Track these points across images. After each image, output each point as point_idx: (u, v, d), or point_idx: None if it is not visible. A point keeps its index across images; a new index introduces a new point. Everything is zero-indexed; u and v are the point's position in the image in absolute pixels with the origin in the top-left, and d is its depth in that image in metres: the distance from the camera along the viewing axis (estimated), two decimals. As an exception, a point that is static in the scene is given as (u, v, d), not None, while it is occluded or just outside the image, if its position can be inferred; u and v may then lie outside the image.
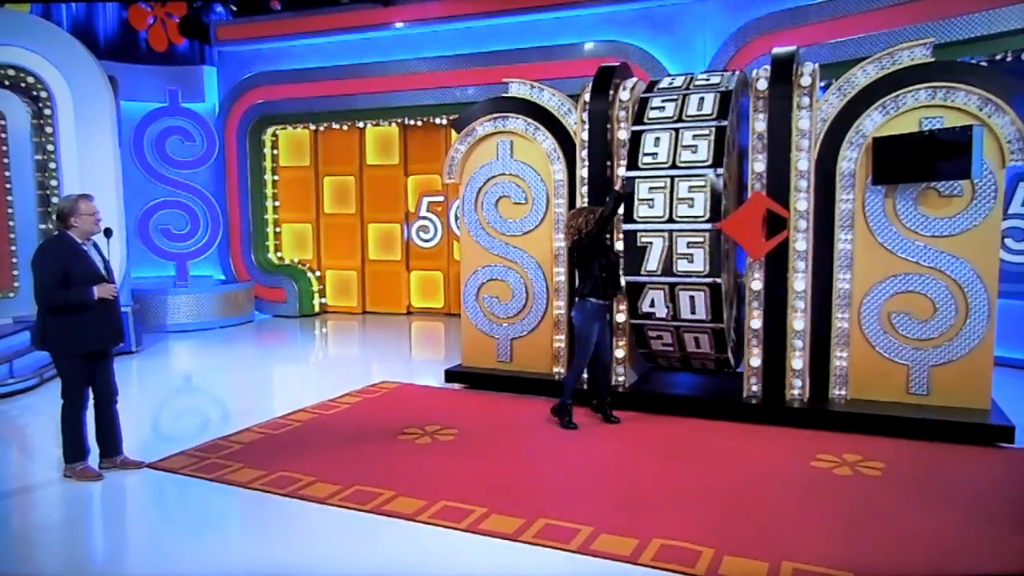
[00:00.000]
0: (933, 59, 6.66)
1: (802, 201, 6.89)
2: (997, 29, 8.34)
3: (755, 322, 7.13)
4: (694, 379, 8.06)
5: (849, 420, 6.74)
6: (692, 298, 7.10)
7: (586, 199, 7.70)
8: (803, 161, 6.87)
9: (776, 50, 7.12)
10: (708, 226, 6.98)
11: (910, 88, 6.61)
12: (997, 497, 5.31)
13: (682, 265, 7.08)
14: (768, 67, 7.02)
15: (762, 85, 6.96)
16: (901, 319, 6.81)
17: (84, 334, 5.63)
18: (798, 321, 6.99)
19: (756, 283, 7.08)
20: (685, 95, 7.38)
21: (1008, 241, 8.94)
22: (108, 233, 5.81)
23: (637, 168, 7.27)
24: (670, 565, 4.32)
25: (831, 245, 6.93)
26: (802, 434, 6.69)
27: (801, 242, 6.93)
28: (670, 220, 7.12)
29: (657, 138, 7.27)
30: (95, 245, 5.80)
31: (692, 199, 7.05)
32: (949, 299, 6.63)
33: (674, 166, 7.14)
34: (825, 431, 6.71)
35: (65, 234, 5.63)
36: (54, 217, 5.64)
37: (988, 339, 6.59)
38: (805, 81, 6.85)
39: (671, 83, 7.67)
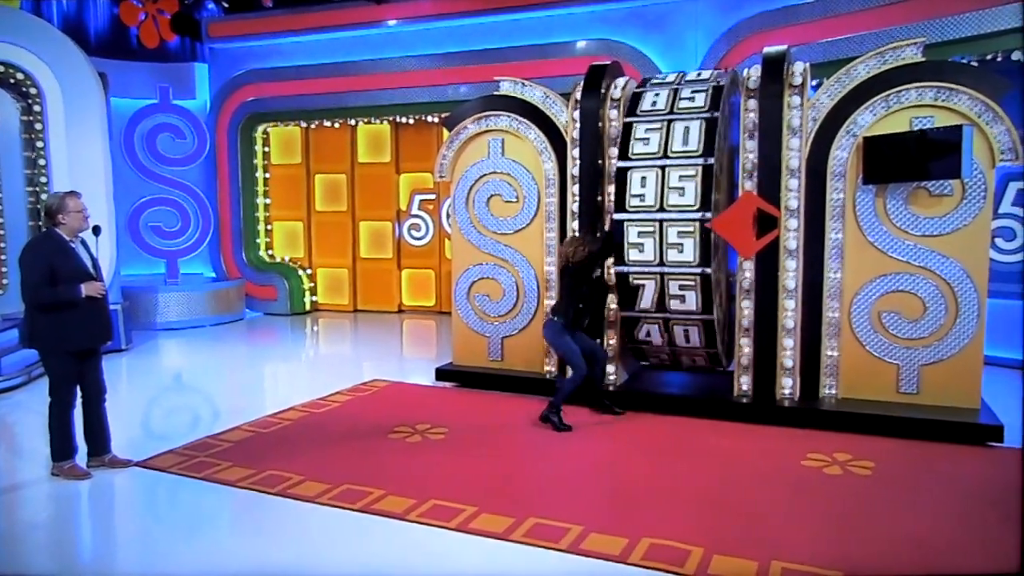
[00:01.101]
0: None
1: (793, 199, 6.89)
2: (987, 29, 8.36)
3: (745, 321, 7.13)
4: (685, 378, 8.06)
5: (839, 419, 6.75)
6: (687, 331, 7.30)
7: (577, 198, 7.69)
8: (794, 159, 6.87)
9: (767, 49, 7.13)
10: (699, 271, 7.06)
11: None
12: (986, 496, 5.31)
13: (675, 304, 7.23)
14: (759, 66, 7.02)
15: (753, 84, 6.96)
16: (891, 318, 6.82)
17: (72, 332, 5.59)
18: (789, 320, 7.00)
19: (746, 281, 7.08)
20: (670, 122, 7.31)
21: (998, 241, 8.96)
22: (96, 231, 5.78)
23: (625, 210, 7.28)
24: (660, 564, 4.32)
25: (822, 243, 6.94)
26: (792, 433, 6.69)
27: (792, 241, 6.93)
28: (661, 264, 7.20)
29: (643, 177, 7.26)
30: (83, 242, 5.76)
31: (681, 244, 7.12)
32: (939, 298, 6.64)
33: (662, 209, 7.16)
34: (815, 430, 6.71)
35: (53, 231, 5.60)
36: (42, 214, 5.60)
37: (978, 338, 6.60)
38: (796, 80, 6.86)
39: (654, 104, 7.51)
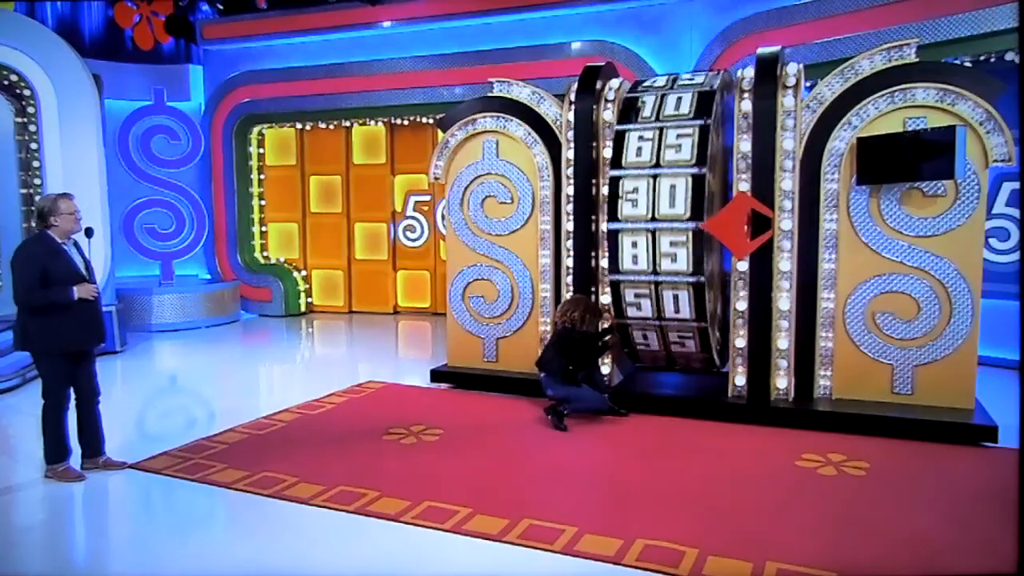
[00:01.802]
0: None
1: (786, 201, 6.90)
2: (981, 30, 8.37)
3: (740, 321, 7.13)
4: (680, 379, 8.06)
5: (834, 420, 6.75)
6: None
7: (572, 199, 7.69)
8: (787, 160, 6.88)
9: (761, 50, 7.13)
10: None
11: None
12: (980, 497, 5.33)
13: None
14: (753, 67, 7.03)
15: (747, 84, 6.97)
16: (885, 319, 6.83)
17: (65, 334, 5.59)
18: (783, 320, 7.00)
19: (741, 281, 7.09)
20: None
21: (992, 241, 8.98)
22: (89, 233, 5.77)
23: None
24: (654, 565, 4.32)
25: (816, 244, 6.95)
26: (787, 434, 6.69)
27: (786, 241, 6.93)
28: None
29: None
30: (76, 244, 5.76)
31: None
32: (933, 299, 6.65)
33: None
34: (810, 431, 6.71)
35: (45, 233, 5.59)
36: (35, 216, 5.62)
37: (972, 339, 6.61)
38: (790, 81, 6.87)
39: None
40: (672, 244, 7.07)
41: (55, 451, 5.77)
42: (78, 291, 5.53)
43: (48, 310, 5.52)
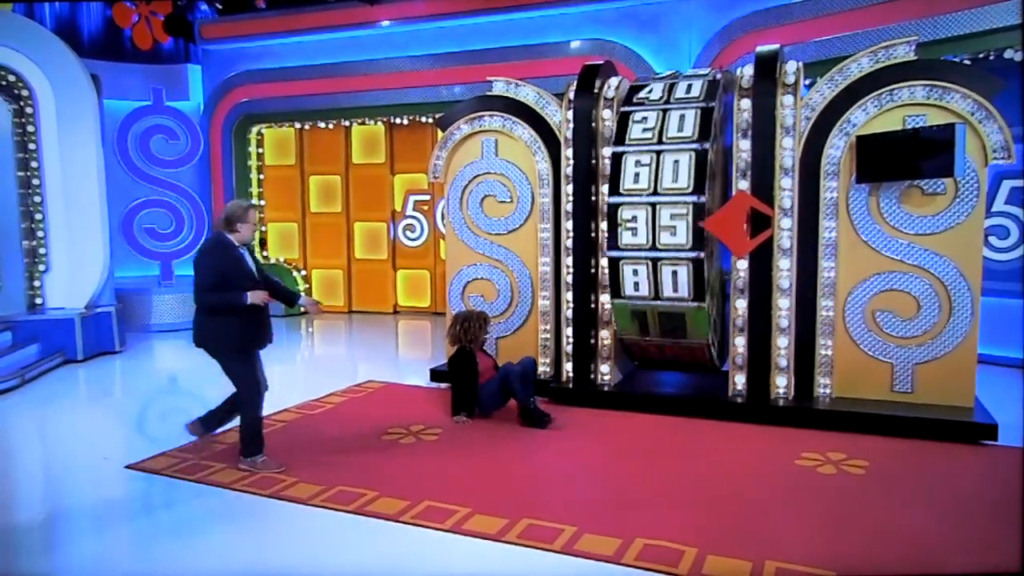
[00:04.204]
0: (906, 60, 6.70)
1: (787, 199, 6.90)
2: (980, 27, 8.37)
3: (740, 321, 7.12)
4: (679, 378, 8.05)
5: (833, 418, 6.74)
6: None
7: (571, 197, 7.68)
8: (788, 158, 6.87)
9: (760, 48, 7.13)
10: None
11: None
12: (980, 495, 5.32)
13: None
14: (752, 65, 7.02)
15: (746, 83, 6.96)
16: (885, 317, 6.82)
17: (235, 335, 5.78)
18: (783, 319, 6.99)
19: (741, 280, 7.08)
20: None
21: (992, 239, 8.97)
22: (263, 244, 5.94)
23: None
24: (653, 565, 4.31)
25: (815, 240, 6.94)
26: (786, 432, 6.68)
27: (786, 240, 6.93)
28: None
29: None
30: (250, 250, 5.97)
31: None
32: (933, 297, 6.65)
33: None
34: (809, 429, 6.70)
35: (227, 237, 5.77)
36: (222, 218, 5.84)
37: (972, 337, 6.60)
38: (789, 79, 6.86)
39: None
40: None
41: (254, 445, 5.96)
42: (251, 296, 5.69)
43: (220, 311, 5.70)
